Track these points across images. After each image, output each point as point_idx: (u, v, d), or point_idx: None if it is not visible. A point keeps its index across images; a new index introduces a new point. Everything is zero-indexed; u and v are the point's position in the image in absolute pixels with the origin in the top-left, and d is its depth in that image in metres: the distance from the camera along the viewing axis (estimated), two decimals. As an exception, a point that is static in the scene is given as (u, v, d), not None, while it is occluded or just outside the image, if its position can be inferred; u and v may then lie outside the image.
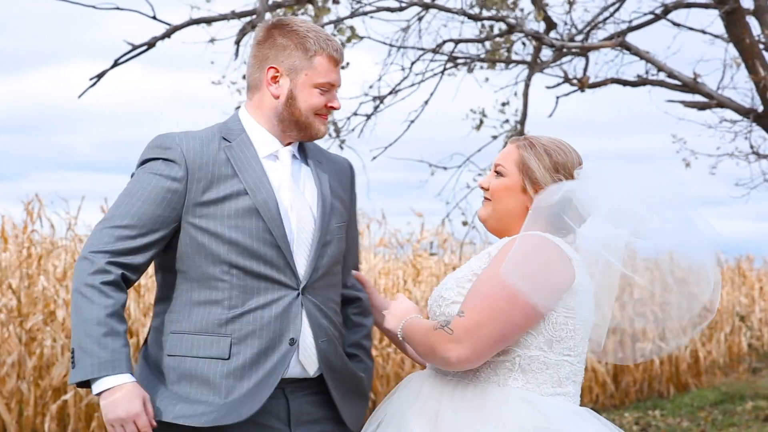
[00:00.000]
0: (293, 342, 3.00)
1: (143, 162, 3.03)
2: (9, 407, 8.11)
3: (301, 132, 3.11)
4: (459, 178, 9.48)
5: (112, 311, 2.87)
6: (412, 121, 9.29)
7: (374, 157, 9.37)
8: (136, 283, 9.28)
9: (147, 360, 3.07)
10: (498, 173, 3.07)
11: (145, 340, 3.10)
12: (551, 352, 2.88)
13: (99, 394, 2.85)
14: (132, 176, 3.05)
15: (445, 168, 9.52)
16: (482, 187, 3.12)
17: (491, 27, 8.85)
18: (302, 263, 3.05)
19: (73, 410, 8.23)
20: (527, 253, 2.86)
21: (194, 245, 2.98)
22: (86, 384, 2.90)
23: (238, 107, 3.23)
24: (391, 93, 9.15)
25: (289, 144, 3.14)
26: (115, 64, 7.43)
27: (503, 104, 9.30)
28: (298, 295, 3.03)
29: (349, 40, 8.05)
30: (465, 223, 9.60)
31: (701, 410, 11.53)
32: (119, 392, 2.85)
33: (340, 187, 3.23)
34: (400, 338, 3.04)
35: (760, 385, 13.68)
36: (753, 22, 8.30)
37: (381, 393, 9.64)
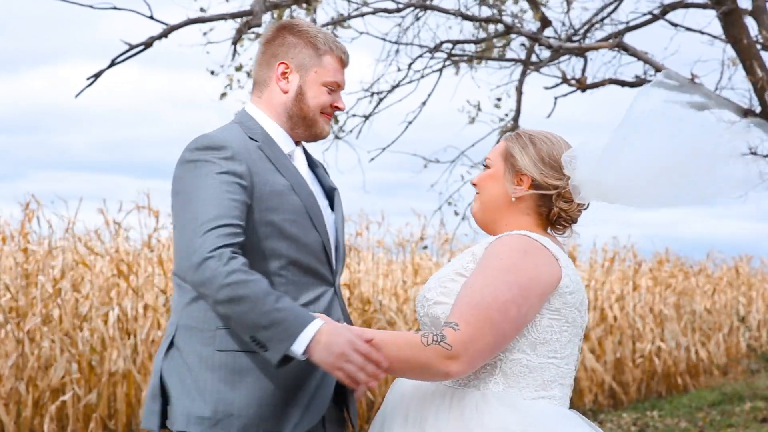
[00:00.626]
0: None
1: (189, 162, 2.95)
2: (7, 408, 8.11)
3: (307, 130, 3.14)
4: (452, 171, 9.53)
5: (266, 281, 2.81)
6: (410, 122, 9.31)
7: (372, 159, 9.40)
8: (133, 284, 9.23)
9: (183, 358, 2.98)
10: (486, 166, 3.07)
11: (170, 346, 3.01)
12: (534, 355, 2.84)
13: (305, 353, 2.76)
14: (177, 178, 2.95)
15: (437, 161, 9.57)
16: (473, 184, 3.11)
17: (486, 27, 8.87)
18: (333, 260, 3.11)
19: (72, 411, 8.23)
20: (514, 259, 2.83)
21: (257, 240, 2.95)
22: (285, 359, 2.81)
23: (244, 104, 3.24)
24: (390, 92, 9.16)
25: (298, 144, 3.17)
26: (112, 63, 7.42)
27: (498, 99, 9.33)
28: (334, 290, 3.10)
29: (339, 25, 8.06)
30: (456, 213, 9.66)
31: (699, 411, 11.53)
32: (323, 335, 2.77)
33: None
34: None
35: (758, 386, 13.68)
36: (751, 23, 8.30)
37: (380, 395, 9.64)
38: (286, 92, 3.11)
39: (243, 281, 2.77)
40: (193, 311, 2.98)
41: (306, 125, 3.13)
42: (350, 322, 3.12)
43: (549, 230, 3.02)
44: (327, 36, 3.15)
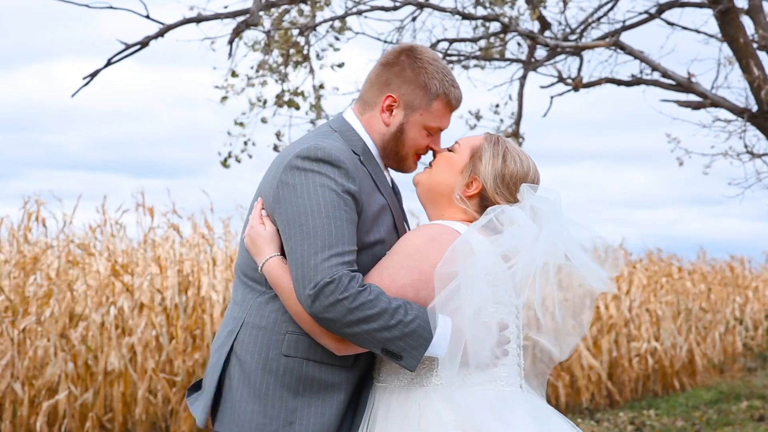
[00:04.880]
0: None
1: (300, 170, 2.89)
2: (3, 407, 8.10)
3: (395, 163, 3.15)
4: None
5: (382, 292, 2.81)
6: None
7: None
8: (128, 282, 9.21)
9: (244, 359, 2.96)
10: (451, 149, 3.08)
11: (233, 341, 2.99)
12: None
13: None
14: (286, 184, 2.90)
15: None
16: (433, 153, 3.12)
17: (486, 27, 8.85)
18: None
19: (68, 410, 8.22)
20: (420, 245, 2.87)
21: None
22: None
23: (342, 111, 3.20)
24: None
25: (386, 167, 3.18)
26: (108, 63, 7.40)
27: (496, 105, 9.30)
28: None
29: (341, 30, 8.05)
30: None
31: (696, 410, 11.54)
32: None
33: None
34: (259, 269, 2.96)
35: (754, 385, 13.70)
36: (747, 22, 8.30)
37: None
38: (387, 125, 3.09)
39: (370, 301, 2.77)
40: (266, 312, 2.97)
41: (396, 160, 3.12)
42: None
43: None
44: (444, 78, 3.10)
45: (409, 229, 3.19)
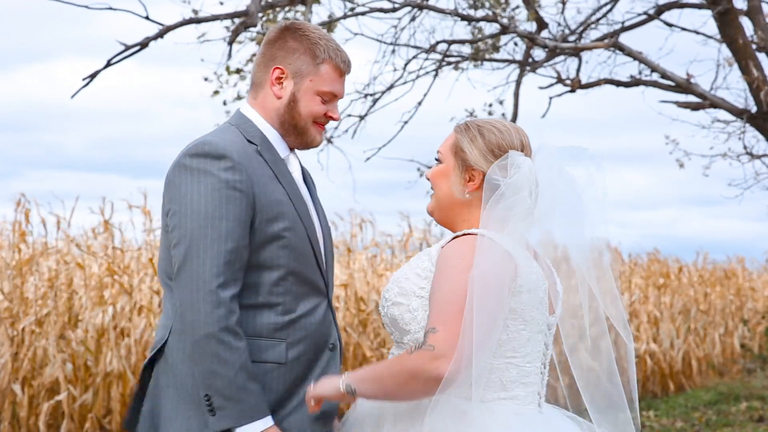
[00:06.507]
0: (333, 347, 3.02)
1: (185, 169, 2.87)
2: (2, 408, 8.09)
3: (298, 138, 3.08)
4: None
5: (248, 353, 2.79)
6: (406, 122, 9.29)
7: (368, 158, 9.36)
8: (126, 284, 9.14)
9: (175, 366, 2.93)
10: (437, 161, 2.99)
11: (161, 348, 2.96)
12: (492, 356, 2.76)
13: None
14: (172, 184, 2.88)
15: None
16: (428, 178, 3.03)
17: (479, 29, 8.87)
18: (324, 271, 3.07)
19: (67, 411, 8.21)
20: (464, 255, 2.74)
21: (258, 249, 2.89)
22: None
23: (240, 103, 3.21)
24: (385, 92, 9.14)
25: (292, 150, 3.12)
26: (108, 64, 7.40)
27: (489, 105, 9.31)
28: (329, 302, 3.05)
29: (330, 29, 8.06)
30: None
31: (695, 411, 11.54)
32: None
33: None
34: (346, 391, 2.79)
35: (754, 386, 13.69)
36: (746, 23, 8.31)
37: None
38: (279, 98, 3.04)
39: (228, 344, 2.76)
40: None
41: (297, 133, 3.06)
42: (341, 340, 3.09)
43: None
44: (329, 43, 3.06)
45: (321, 220, 3.12)
